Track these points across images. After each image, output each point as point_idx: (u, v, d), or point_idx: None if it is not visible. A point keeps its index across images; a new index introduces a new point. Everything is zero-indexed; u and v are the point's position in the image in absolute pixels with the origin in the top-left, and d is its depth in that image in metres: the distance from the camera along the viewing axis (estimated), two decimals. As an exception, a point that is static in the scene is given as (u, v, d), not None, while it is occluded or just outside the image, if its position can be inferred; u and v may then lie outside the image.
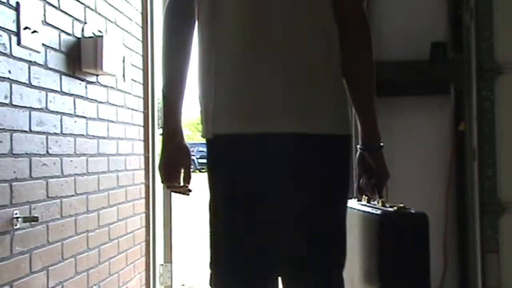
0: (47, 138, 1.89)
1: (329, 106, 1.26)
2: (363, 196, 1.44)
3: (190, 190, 1.40)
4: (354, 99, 1.37)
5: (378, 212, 1.33)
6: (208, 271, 1.33)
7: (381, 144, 1.39)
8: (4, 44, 1.65)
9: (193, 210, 8.71)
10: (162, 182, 1.40)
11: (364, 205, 1.42)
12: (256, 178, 1.25)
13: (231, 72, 1.26)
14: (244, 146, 1.25)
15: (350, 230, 1.30)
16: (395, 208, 1.33)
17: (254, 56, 1.24)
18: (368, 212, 1.36)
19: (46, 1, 1.90)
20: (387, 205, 1.36)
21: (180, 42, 1.36)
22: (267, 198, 1.25)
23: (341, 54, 1.30)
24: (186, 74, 1.37)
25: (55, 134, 1.95)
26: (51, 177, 1.91)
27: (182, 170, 1.36)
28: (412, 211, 1.35)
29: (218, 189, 1.31)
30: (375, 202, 1.40)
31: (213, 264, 1.32)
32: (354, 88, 1.35)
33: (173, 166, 1.36)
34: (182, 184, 1.37)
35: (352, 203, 1.46)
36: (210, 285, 1.33)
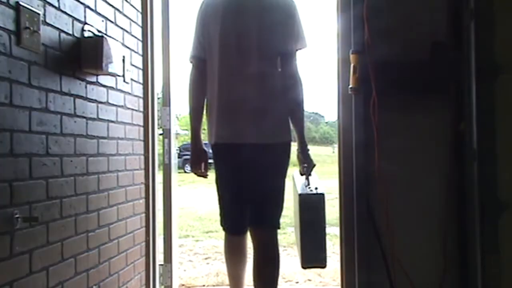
0: (47, 138, 1.89)
1: (281, 126, 2.32)
2: (303, 176, 2.39)
3: (207, 175, 2.44)
4: (292, 126, 2.37)
5: (300, 192, 2.30)
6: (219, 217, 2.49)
7: (308, 148, 2.37)
8: (4, 44, 1.65)
9: (192, 210, 8.71)
10: (191, 170, 2.48)
11: (304, 186, 2.35)
12: (236, 164, 2.34)
13: (224, 117, 2.32)
14: (229, 149, 2.34)
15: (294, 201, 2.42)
16: (310, 189, 2.30)
17: (233, 108, 2.30)
18: (298, 192, 2.32)
19: (46, 1, 1.90)
20: (310, 187, 2.32)
21: (199, 93, 2.39)
22: (242, 176, 2.33)
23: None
24: (202, 110, 2.40)
25: (55, 134, 1.95)
26: (51, 177, 1.91)
27: (203, 163, 2.42)
28: (316, 192, 2.29)
29: (219, 170, 2.41)
30: (307, 182, 2.35)
31: (221, 214, 2.46)
32: (291, 121, 2.37)
33: (196, 161, 2.42)
34: (203, 171, 2.43)
35: (297, 182, 2.40)
36: (221, 225, 2.46)
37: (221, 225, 2.47)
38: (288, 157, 2.37)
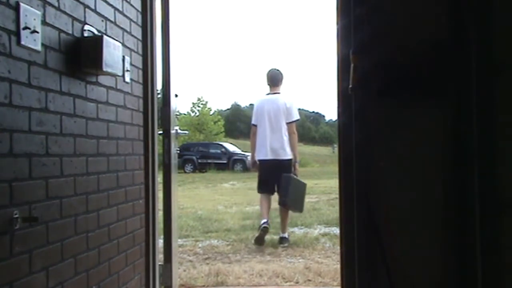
0: (47, 138, 1.89)
1: (284, 152, 5.72)
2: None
3: (256, 170, 6.00)
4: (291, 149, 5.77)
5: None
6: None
7: (296, 161, 5.79)
8: (4, 44, 1.65)
9: (192, 210, 8.71)
10: (251, 168, 6.74)
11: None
12: (267, 168, 5.81)
13: (262, 146, 5.84)
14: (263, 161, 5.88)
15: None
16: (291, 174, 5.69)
17: (266, 141, 5.79)
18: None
19: (46, 1, 1.90)
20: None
21: (253, 140, 5.92)
22: (269, 172, 5.74)
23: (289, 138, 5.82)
24: (255, 147, 5.88)
25: (55, 134, 1.95)
26: (51, 177, 1.91)
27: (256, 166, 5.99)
28: (291, 175, 5.65)
29: (259, 167, 5.93)
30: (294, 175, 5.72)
31: (258, 185, 5.95)
32: (291, 147, 5.76)
33: (253, 164, 6.07)
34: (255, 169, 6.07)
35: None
36: (258, 192, 5.90)
37: (258, 190, 5.82)
38: (289, 165, 5.61)
